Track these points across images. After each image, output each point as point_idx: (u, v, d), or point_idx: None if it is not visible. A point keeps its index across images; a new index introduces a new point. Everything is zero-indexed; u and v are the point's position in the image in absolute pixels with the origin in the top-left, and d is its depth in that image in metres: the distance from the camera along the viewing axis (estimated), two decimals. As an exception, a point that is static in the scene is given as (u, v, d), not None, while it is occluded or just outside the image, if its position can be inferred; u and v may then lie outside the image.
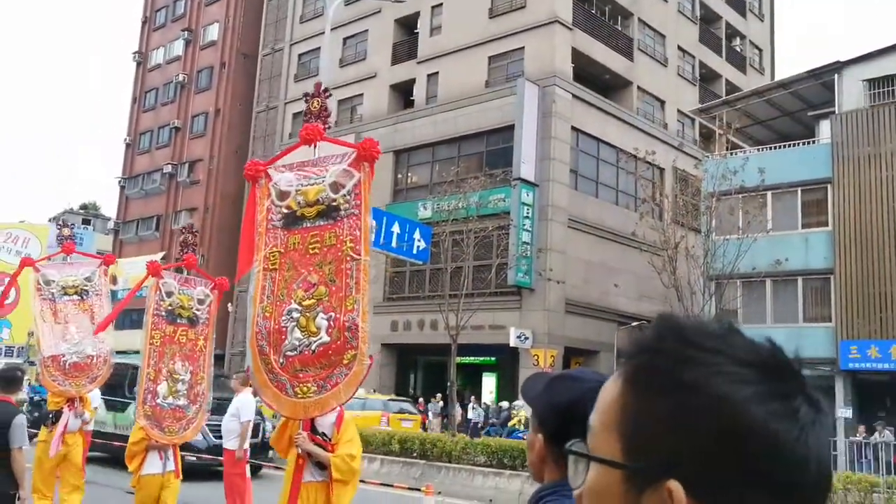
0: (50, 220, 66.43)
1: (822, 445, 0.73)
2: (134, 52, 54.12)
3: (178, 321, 7.85)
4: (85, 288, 9.56)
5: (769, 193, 23.72)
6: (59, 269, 9.89)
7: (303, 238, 5.50)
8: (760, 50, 45.35)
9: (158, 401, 7.62)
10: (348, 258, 5.31)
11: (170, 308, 7.83)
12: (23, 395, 14.21)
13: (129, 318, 34.12)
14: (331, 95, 6.14)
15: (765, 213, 22.97)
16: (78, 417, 9.41)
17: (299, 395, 5.24)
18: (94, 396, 11.06)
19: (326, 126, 5.80)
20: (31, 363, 54.44)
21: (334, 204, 5.41)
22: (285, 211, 5.59)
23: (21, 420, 6.31)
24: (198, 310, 8.04)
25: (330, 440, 5.50)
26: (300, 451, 5.40)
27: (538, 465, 1.79)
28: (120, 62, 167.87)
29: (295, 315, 5.33)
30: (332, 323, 5.19)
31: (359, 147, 5.43)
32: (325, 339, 5.20)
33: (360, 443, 5.82)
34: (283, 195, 5.60)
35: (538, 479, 1.81)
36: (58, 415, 9.31)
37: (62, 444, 9.22)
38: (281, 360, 5.29)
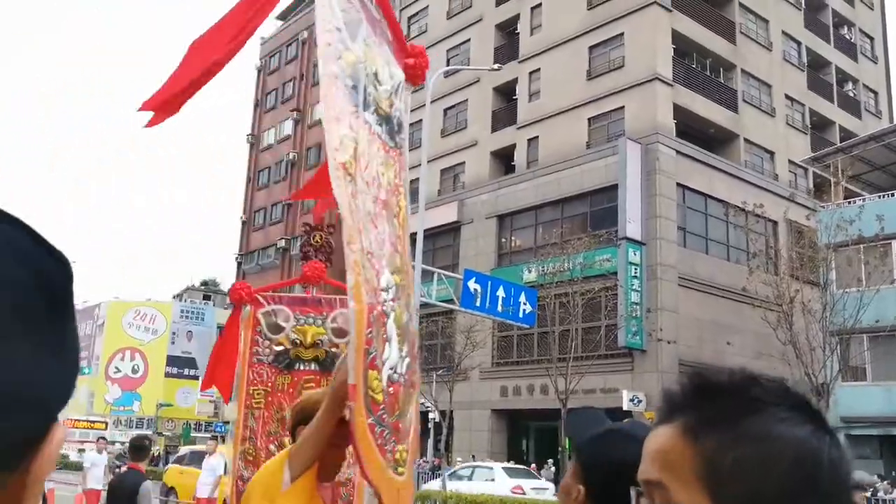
0: (174, 297, 69.89)
1: (850, 476, 0.84)
2: (248, 134, 57.11)
3: (299, 367, 5.45)
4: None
5: (893, 242, 22.46)
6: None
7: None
8: (875, 93, 43.58)
9: None
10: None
11: (280, 349, 5.50)
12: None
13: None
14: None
15: (888, 262, 21.72)
16: None
17: None
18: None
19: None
20: (160, 434, 56.66)
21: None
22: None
23: (147, 487, 6.66)
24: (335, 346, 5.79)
25: None
26: None
27: None
28: (236, 145, 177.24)
29: None
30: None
31: None
32: None
33: None
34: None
35: None
36: None
37: None
38: None
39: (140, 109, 2.49)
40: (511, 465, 25.91)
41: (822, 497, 0.79)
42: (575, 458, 1.75)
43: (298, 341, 5.04)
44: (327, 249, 5.45)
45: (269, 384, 5.03)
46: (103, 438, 17.90)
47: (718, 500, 0.79)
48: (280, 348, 5.07)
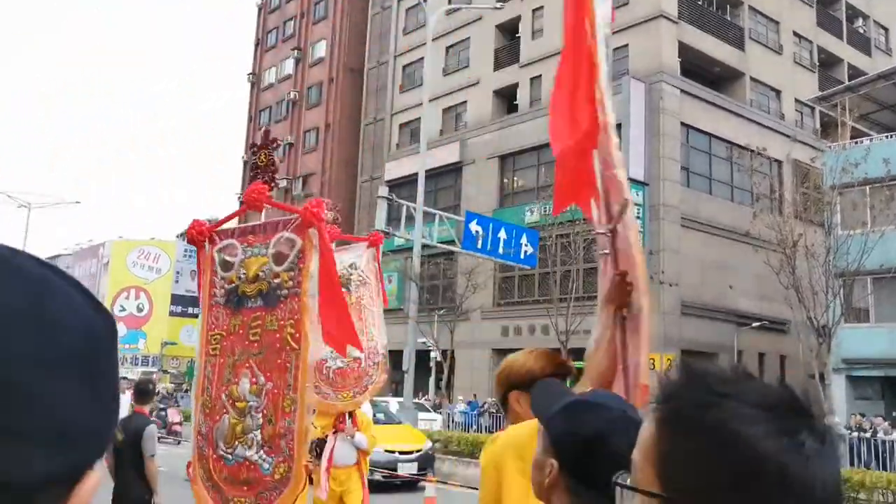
0: (177, 237, 69.99)
1: (826, 473, 0.83)
2: (248, 74, 56.33)
3: (247, 304, 4.63)
4: (349, 277, 7.11)
5: (899, 183, 22.21)
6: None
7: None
8: (886, 29, 42.65)
9: (220, 451, 4.59)
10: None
11: (230, 287, 4.74)
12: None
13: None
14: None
15: (894, 205, 21.53)
16: (348, 440, 7.65)
17: None
18: (367, 410, 9.22)
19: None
20: (165, 372, 57.50)
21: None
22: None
23: (152, 430, 6.71)
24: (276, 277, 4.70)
25: None
26: None
27: (547, 489, 1.66)
28: (237, 84, 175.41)
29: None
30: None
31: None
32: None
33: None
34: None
35: (544, 500, 1.69)
36: (322, 443, 7.49)
37: (330, 483, 7.46)
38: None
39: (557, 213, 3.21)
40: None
41: (757, 498, 0.81)
42: (544, 433, 1.72)
43: (244, 276, 4.63)
44: (271, 169, 5.05)
45: (224, 328, 4.67)
46: (125, 378, 18.00)
47: (664, 484, 0.86)
48: (230, 287, 4.68)
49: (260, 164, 5.11)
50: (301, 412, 4.32)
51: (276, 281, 4.50)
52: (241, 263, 4.65)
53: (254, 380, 4.45)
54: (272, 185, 5.01)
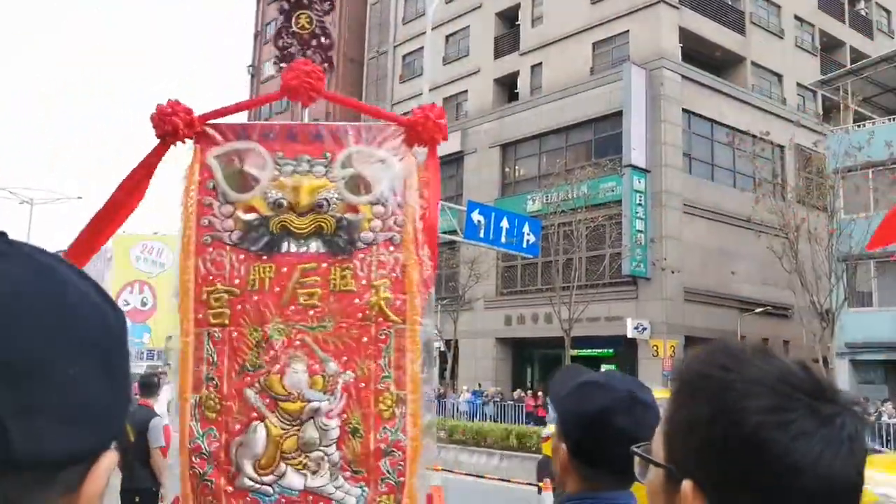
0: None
1: (822, 457, 0.81)
2: (248, 66, 56.20)
3: (288, 248, 3.22)
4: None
5: (902, 166, 22.12)
6: None
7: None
8: (889, 11, 42.37)
9: (247, 481, 3.04)
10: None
11: (251, 219, 3.24)
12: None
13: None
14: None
15: (897, 188, 21.44)
16: None
17: None
18: None
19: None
20: (169, 365, 58.04)
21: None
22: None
23: (158, 422, 6.76)
24: (353, 210, 3.28)
25: None
26: None
27: (561, 473, 1.68)
28: (237, 77, 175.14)
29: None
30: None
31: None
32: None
33: None
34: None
35: (562, 485, 1.70)
36: None
37: None
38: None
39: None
40: None
41: (736, 471, 0.82)
42: (556, 416, 1.76)
43: (284, 203, 3.14)
44: (324, 41, 3.36)
45: (236, 281, 3.09)
46: (164, 374, 18.01)
47: (668, 454, 0.90)
48: (251, 218, 3.14)
49: (302, 31, 3.44)
50: (414, 416, 3.09)
51: (352, 218, 3.16)
52: (277, 184, 3.17)
53: (315, 367, 3.05)
54: (330, 65, 3.46)
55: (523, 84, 34.88)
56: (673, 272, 27.35)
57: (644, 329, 26.78)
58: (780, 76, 34.87)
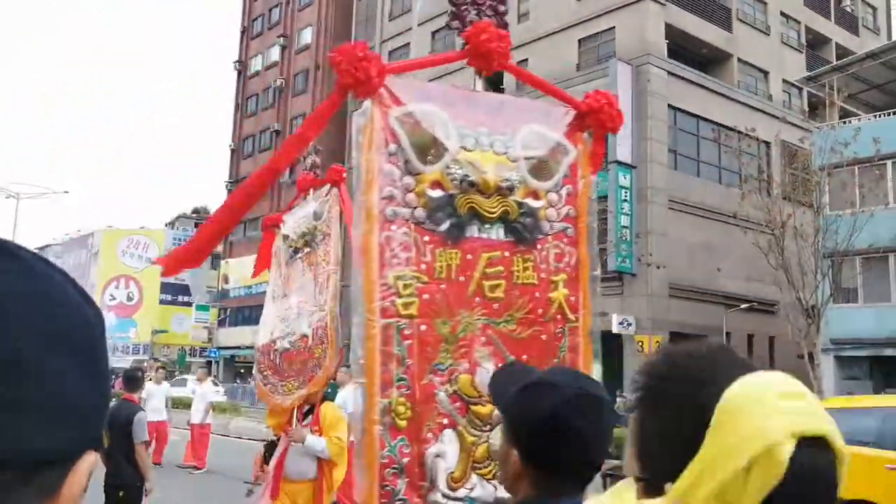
0: (166, 225, 69.76)
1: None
2: (235, 61, 55.89)
3: (470, 233, 3.11)
4: (313, 233, 5.51)
5: (889, 163, 22.16)
6: (293, 217, 6.19)
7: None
8: (874, 8, 42.58)
9: (439, 498, 3.00)
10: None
11: (437, 196, 3.25)
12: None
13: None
14: None
15: (883, 184, 21.48)
16: (299, 446, 5.19)
17: None
18: (345, 400, 7.87)
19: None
20: (155, 359, 57.56)
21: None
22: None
23: (142, 417, 6.73)
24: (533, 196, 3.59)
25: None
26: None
27: (513, 480, 1.58)
28: (224, 72, 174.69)
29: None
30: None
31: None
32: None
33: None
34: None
35: (512, 493, 1.61)
36: (273, 446, 5.57)
37: (277, 497, 5.19)
38: None
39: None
40: None
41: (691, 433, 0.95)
42: (503, 420, 1.64)
43: (472, 180, 2.73)
44: (500, 7, 3.00)
45: (423, 266, 2.67)
46: (163, 368, 18.29)
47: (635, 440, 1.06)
48: (438, 195, 2.72)
49: None
50: None
51: (534, 204, 2.86)
52: (461, 157, 2.73)
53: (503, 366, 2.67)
54: (505, 27, 3.05)
55: (509, 80, 34.78)
56: (658, 268, 27.37)
57: (629, 325, 26.79)
58: (766, 72, 34.95)
